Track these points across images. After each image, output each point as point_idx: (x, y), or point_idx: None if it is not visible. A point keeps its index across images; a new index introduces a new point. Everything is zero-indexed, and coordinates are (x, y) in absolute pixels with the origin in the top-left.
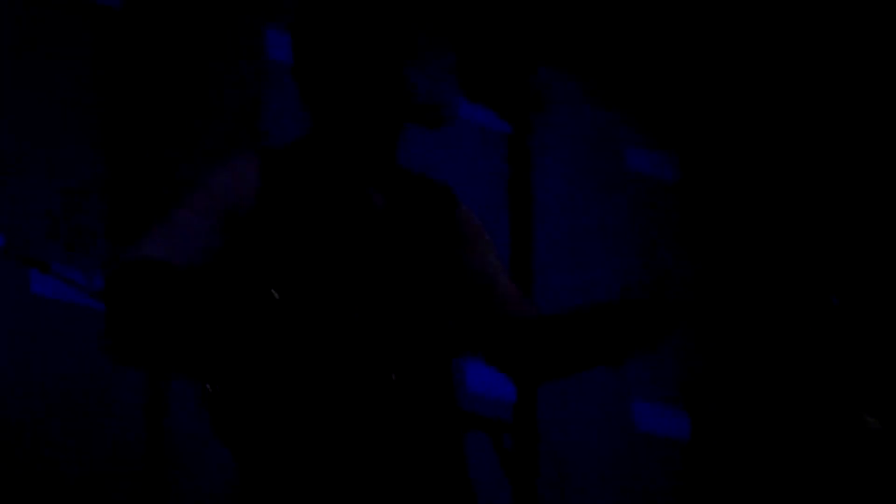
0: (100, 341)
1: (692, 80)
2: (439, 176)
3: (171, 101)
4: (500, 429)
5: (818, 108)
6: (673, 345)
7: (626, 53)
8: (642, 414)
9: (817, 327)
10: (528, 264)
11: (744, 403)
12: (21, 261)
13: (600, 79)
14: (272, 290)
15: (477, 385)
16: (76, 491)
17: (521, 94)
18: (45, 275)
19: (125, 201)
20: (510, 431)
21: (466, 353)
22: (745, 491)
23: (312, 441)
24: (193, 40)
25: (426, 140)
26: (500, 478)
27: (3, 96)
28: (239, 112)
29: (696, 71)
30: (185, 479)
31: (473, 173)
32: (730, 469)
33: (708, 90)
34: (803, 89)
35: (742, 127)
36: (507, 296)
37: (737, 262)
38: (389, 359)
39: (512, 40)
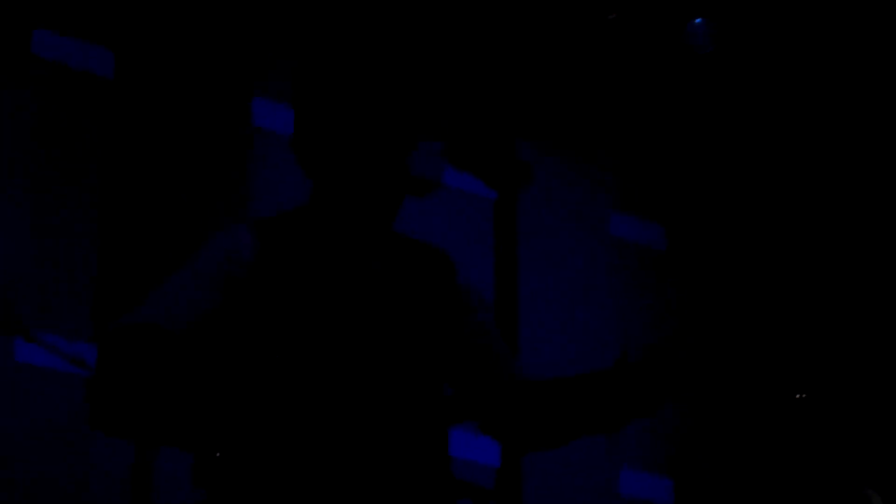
0: (85, 409)
1: (676, 149)
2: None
3: (160, 167)
4: (485, 497)
5: (801, 175)
6: (660, 412)
7: (609, 123)
8: (628, 480)
9: (810, 394)
10: (514, 327)
11: (728, 469)
12: (6, 328)
13: (585, 148)
14: (275, 354)
15: (461, 451)
16: None
17: (508, 162)
18: (30, 343)
19: (112, 269)
20: (495, 499)
21: (462, 420)
22: None
23: None
24: (182, 109)
25: (411, 205)
26: None
27: None
28: (225, 177)
29: (679, 138)
30: None
31: (460, 238)
32: None
33: (691, 158)
34: (785, 157)
35: (725, 194)
36: (504, 363)
37: (720, 328)
38: (382, 424)
39: (499, 109)
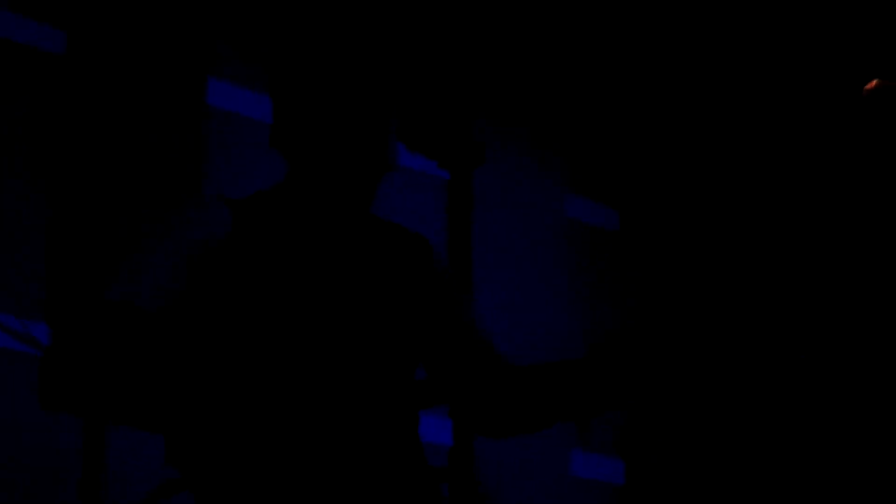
0: (35, 387)
1: (631, 129)
2: None
3: (112, 146)
4: (439, 477)
5: (756, 153)
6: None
7: (564, 102)
8: (579, 461)
9: (783, 382)
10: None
11: (678, 450)
12: None
13: (539, 128)
14: (247, 336)
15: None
16: None
17: (461, 143)
18: None
19: (64, 247)
20: (449, 480)
21: (434, 405)
22: None
23: (276, 489)
24: (135, 86)
25: None
26: None
27: None
28: (179, 157)
29: (634, 119)
30: None
31: (412, 218)
32: None
33: (646, 138)
34: (740, 136)
35: (678, 175)
36: (481, 349)
37: (674, 311)
38: (353, 407)
39: (452, 90)
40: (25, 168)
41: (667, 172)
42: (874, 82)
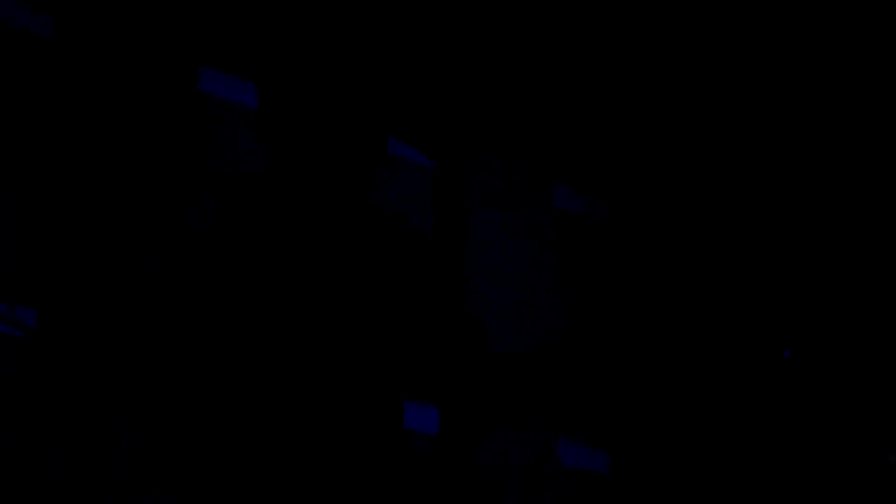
0: (21, 371)
1: (620, 120)
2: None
3: (102, 131)
4: (424, 465)
5: (746, 144)
6: (599, 386)
7: (553, 93)
8: (566, 451)
9: (768, 378)
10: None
11: (663, 443)
12: None
13: (528, 119)
14: (232, 322)
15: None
16: None
17: (450, 134)
18: None
19: (51, 233)
20: (434, 468)
21: (419, 396)
22: None
23: (258, 475)
24: (125, 71)
25: None
26: None
27: None
28: (170, 144)
29: (624, 110)
30: None
31: (402, 209)
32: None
33: (635, 129)
34: (729, 128)
35: (669, 164)
36: (468, 337)
37: (663, 305)
38: (335, 393)
39: (442, 81)
40: (13, 153)
41: (656, 164)
42: None
